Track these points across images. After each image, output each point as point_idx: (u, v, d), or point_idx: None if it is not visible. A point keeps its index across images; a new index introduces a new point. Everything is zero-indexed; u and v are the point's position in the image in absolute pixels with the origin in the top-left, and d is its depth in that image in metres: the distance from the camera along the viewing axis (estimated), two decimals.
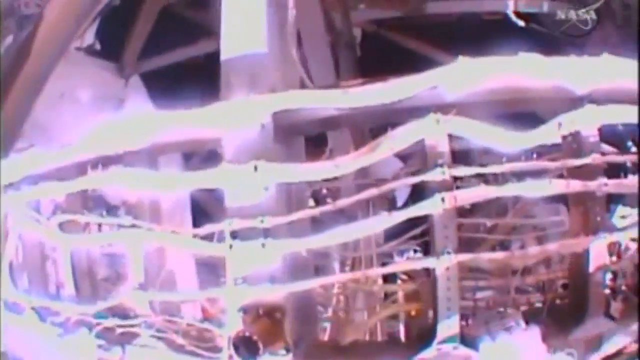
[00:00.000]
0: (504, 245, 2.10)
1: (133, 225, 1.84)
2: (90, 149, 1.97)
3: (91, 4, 2.15)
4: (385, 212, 1.58)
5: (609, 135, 1.90)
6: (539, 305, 1.91)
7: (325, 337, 2.33)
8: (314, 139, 2.05)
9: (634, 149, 2.43)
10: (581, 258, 1.84)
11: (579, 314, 1.85)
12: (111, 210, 2.00)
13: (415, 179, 1.61)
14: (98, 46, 2.88)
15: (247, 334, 1.57)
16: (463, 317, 1.90)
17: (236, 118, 1.68)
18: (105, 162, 1.94)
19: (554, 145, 1.83)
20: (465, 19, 3.24)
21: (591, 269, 1.79)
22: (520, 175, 1.67)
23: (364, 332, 2.16)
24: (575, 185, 1.71)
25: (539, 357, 1.67)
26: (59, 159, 2.01)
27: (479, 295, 2.18)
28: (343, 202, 1.58)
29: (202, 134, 1.79)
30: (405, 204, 2.25)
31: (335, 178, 2.02)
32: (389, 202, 2.56)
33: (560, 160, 1.71)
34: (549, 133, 1.68)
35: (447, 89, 1.66)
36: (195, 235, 1.71)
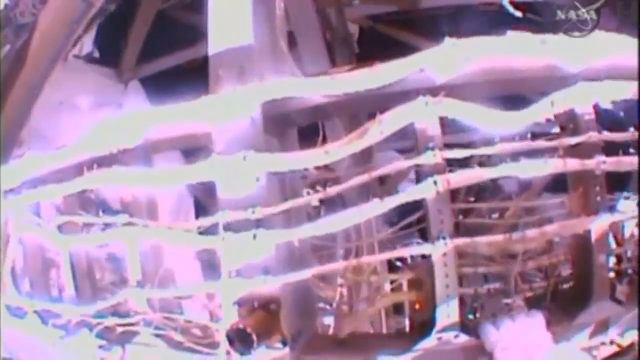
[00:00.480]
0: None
1: (129, 223, 1.84)
2: (86, 150, 1.98)
3: (84, 10, 2.18)
4: (377, 199, 1.56)
5: (610, 122, 1.86)
6: (541, 291, 1.85)
7: (330, 332, 2.30)
8: (308, 133, 2.04)
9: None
10: (583, 240, 1.79)
11: (584, 298, 1.78)
12: (108, 209, 2.01)
13: (407, 163, 1.57)
14: (97, 54, 2.92)
15: (241, 326, 1.55)
16: (471, 310, 1.87)
17: (225, 110, 1.67)
18: (101, 162, 1.96)
19: (550, 126, 1.80)
20: (461, 10, 3.21)
21: (594, 250, 1.73)
22: (515, 157, 1.63)
23: (364, 324, 2.12)
24: (572, 164, 1.66)
25: (544, 346, 1.61)
26: (56, 161, 2.02)
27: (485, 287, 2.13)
28: (334, 190, 1.56)
29: (192, 129, 1.78)
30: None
31: (329, 170, 2.01)
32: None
33: (555, 139, 1.67)
34: (542, 112, 1.63)
35: (435, 72, 1.63)
36: (189, 230, 1.70)
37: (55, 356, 2.14)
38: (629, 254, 1.91)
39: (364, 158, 2.24)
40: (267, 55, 1.81)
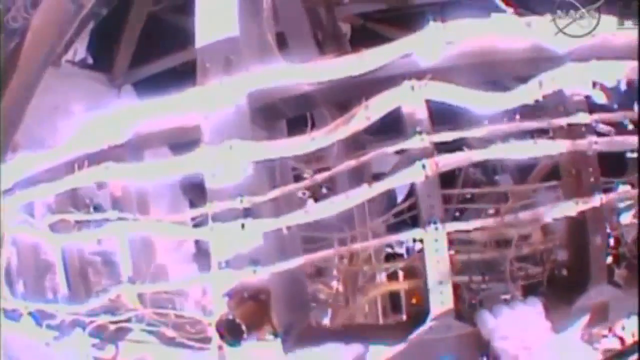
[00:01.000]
0: None
1: (119, 218, 1.80)
2: (77, 148, 1.96)
3: (74, 12, 2.17)
4: (365, 184, 1.51)
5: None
6: (537, 277, 1.78)
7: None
8: (298, 127, 2.00)
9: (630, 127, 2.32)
10: (578, 223, 1.73)
11: (581, 282, 1.71)
12: (99, 206, 1.97)
13: (394, 147, 1.53)
14: (90, 60, 2.91)
15: (230, 317, 1.49)
16: (470, 306, 1.80)
17: (211, 101, 1.64)
18: (92, 159, 1.93)
19: (539, 109, 1.75)
20: (451, 5, 3.18)
21: (589, 233, 1.67)
22: (505, 139, 1.58)
23: (356, 314, 2.06)
24: (563, 145, 1.61)
25: (544, 335, 1.53)
26: (47, 160, 2.00)
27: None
28: (321, 176, 1.51)
29: (181, 121, 1.75)
30: (405, 200, 2.16)
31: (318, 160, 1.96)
32: (388, 198, 2.46)
33: (545, 120, 1.62)
34: (530, 93, 1.59)
35: (421, 56, 1.59)
36: (177, 222, 1.66)
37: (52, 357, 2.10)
38: (627, 237, 1.85)
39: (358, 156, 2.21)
40: (253, 48, 1.78)
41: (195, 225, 1.76)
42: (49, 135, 2.48)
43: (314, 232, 1.86)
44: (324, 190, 2.93)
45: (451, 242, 1.84)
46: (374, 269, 1.86)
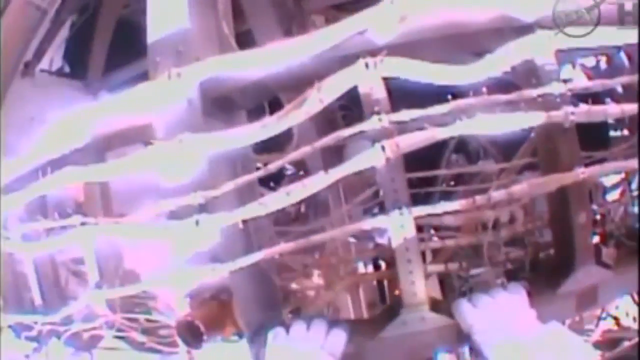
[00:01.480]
0: None
1: (83, 223, 1.72)
2: (40, 155, 1.89)
3: (38, 18, 2.11)
4: (322, 172, 1.39)
5: None
6: (519, 261, 1.62)
7: None
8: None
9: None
10: (559, 200, 1.57)
11: (567, 264, 1.55)
12: (63, 212, 1.90)
13: (352, 130, 1.40)
14: (67, 68, 2.86)
15: (188, 319, 1.39)
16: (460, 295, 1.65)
17: (161, 96, 1.55)
18: (55, 165, 1.85)
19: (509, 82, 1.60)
20: None
21: (572, 210, 1.51)
22: (471, 115, 1.43)
23: (323, 308, 1.93)
24: (535, 118, 1.46)
25: (530, 326, 1.37)
26: (13, 170, 1.94)
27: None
28: (274, 166, 1.39)
29: (135, 120, 1.66)
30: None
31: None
32: (373, 194, 2.32)
33: (515, 92, 1.47)
34: (497, 63, 1.44)
35: (376, 33, 1.46)
36: (136, 223, 1.56)
37: None
38: (614, 215, 1.68)
39: (336, 149, 2.08)
40: (207, 40, 1.68)
41: None
42: (25, 147, 2.42)
43: (283, 226, 1.75)
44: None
45: (423, 229, 1.71)
46: (342, 261, 1.73)
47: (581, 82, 1.55)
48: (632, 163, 1.50)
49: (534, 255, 1.61)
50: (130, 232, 1.59)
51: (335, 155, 2.16)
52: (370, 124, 1.40)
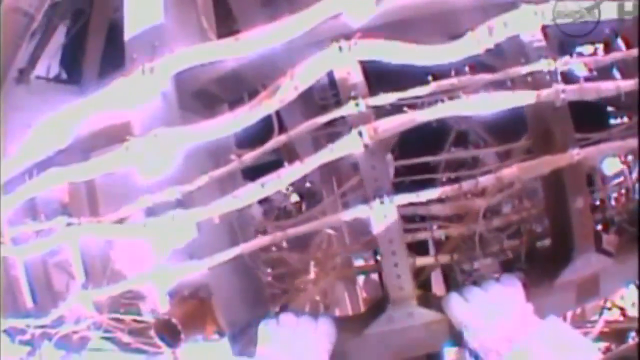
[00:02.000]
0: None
1: (69, 224, 1.67)
2: (26, 158, 1.86)
3: (26, 24, 2.09)
4: (297, 162, 1.30)
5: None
6: (514, 252, 1.50)
7: None
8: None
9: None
10: (555, 185, 1.44)
11: (565, 252, 1.42)
12: (50, 214, 1.86)
13: (328, 117, 1.31)
14: (64, 75, 2.85)
15: (166, 318, 1.31)
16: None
17: (137, 91, 1.49)
18: (40, 167, 1.82)
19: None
20: None
21: (568, 194, 1.38)
22: (453, 96, 1.32)
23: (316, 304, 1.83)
24: (525, 97, 1.34)
25: (527, 322, 1.24)
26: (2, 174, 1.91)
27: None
28: (248, 156, 1.31)
29: (114, 118, 1.61)
30: None
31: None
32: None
33: (501, 71, 1.36)
34: (479, 41, 1.33)
35: (352, 15, 1.37)
36: (116, 222, 1.51)
37: None
38: (614, 200, 1.55)
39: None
40: (184, 35, 1.61)
41: None
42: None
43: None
44: (308, 184, 2.72)
45: (412, 220, 1.60)
46: (329, 255, 1.63)
47: (572, 59, 1.42)
48: (630, 143, 1.37)
49: (531, 245, 1.49)
50: (112, 231, 1.53)
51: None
52: (347, 109, 1.31)
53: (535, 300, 1.31)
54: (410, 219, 1.53)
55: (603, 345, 1.77)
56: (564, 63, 1.35)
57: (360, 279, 2.54)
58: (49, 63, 2.71)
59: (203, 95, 1.60)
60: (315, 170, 1.36)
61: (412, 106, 1.33)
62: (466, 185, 1.27)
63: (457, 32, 1.42)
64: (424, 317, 1.33)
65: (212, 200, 1.38)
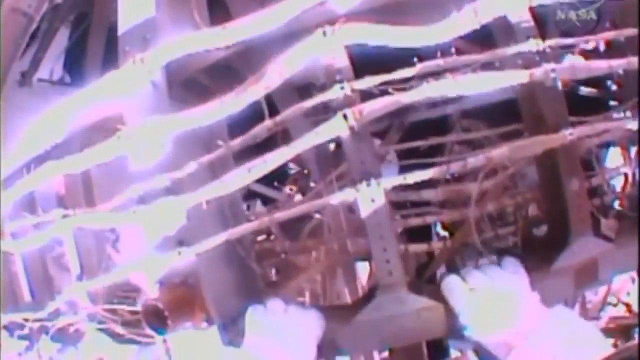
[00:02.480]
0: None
1: (65, 216, 1.72)
2: (24, 154, 1.92)
3: (25, 25, 2.18)
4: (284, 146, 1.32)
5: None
6: (510, 238, 1.47)
7: None
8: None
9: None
10: (549, 167, 1.42)
11: (561, 237, 1.40)
12: (47, 207, 1.91)
13: (314, 101, 1.33)
14: (68, 78, 2.94)
15: (153, 305, 1.34)
16: None
17: (128, 83, 1.53)
18: (38, 162, 1.88)
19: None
20: None
21: (562, 175, 1.36)
22: (440, 77, 1.33)
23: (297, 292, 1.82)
24: (513, 77, 1.34)
25: (533, 311, 1.21)
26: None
27: None
28: (236, 142, 1.34)
29: (107, 111, 1.66)
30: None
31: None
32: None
33: (488, 52, 1.36)
34: (465, 22, 1.34)
35: (336, 1, 1.40)
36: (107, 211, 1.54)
37: None
38: (614, 185, 1.52)
39: None
40: (175, 27, 1.66)
41: None
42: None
43: None
44: (312, 184, 2.74)
45: (403, 206, 1.60)
46: (319, 242, 1.64)
47: (563, 40, 1.41)
48: (627, 124, 1.35)
49: (526, 231, 1.47)
50: (104, 219, 1.57)
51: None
52: (333, 93, 1.33)
53: (532, 285, 1.29)
54: (403, 205, 1.53)
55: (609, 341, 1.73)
56: (554, 43, 1.35)
57: (365, 271, 2.52)
58: (53, 66, 2.81)
59: (193, 86, 1.64)
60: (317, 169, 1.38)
61: (402, 91, 1.35)
62: (455, 166, 1.27)
63: (445, 15, 1.43)
64: (415, 303, 1.32)
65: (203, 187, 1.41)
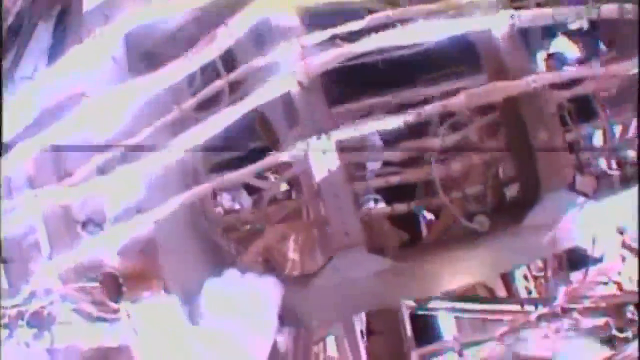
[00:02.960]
0: None
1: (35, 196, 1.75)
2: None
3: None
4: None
5: None
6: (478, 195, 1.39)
7: None
8: None
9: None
10: (515, 121, 1.36)
11: (531, 190, 1.33)
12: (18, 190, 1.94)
13: (261, 61, 1.31)
14: None
15: (109, 273, 1.33)
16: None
17: (90, 58, 1.57)
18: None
19: None
20: None
21: (527, 125, 1.30)
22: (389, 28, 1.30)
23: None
24: (469, 24, 1.29)
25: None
26: None
27: None
28: (189, 104, 1.34)
29: (73, 87, 1.70)
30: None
31: None
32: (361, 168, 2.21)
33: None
34: None
35: None
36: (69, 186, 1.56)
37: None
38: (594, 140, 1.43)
39: None
40: (134, 3, 1.71)
41: None
42: None
43: None
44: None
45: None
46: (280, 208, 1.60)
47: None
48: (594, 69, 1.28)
49: (496, 190, 1.40)
50: (68, 193, 1.59)
51: None
52: (282, 51, 1.32)
53: (502, 245, 1.23)
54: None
55: (602, 320, 1.61)
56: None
57: None
58: (36, 63, 2.90)
59: (151, 57, 1.67)
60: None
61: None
62: (410, 116, 1.23)
63: None
64: (374, 265, 1.26)
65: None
